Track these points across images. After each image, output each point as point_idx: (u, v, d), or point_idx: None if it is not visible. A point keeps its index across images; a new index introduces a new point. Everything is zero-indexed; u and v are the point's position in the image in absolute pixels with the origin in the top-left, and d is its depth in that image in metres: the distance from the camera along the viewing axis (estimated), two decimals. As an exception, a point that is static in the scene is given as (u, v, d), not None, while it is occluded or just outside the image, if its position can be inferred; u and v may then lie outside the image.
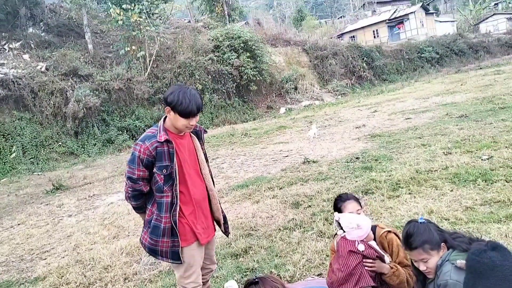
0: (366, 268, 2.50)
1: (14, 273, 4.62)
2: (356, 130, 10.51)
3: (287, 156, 8.80)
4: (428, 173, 5.29)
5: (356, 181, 5.61)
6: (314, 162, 7.46)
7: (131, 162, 2.46)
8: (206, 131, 2.91)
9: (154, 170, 2.45)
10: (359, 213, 2.69)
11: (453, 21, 49.73)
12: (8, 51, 18.83)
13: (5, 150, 14.16)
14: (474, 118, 8.74)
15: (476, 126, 7.80)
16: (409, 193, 4.76)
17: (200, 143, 2.74)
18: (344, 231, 2.57)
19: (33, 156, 14.45)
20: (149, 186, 2.53)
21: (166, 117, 2.55)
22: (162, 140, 2.43)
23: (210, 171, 2.79)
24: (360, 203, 2.79)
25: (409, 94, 17.22)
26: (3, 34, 19.73)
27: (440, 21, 46.90)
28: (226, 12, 29.98)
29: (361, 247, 2.54)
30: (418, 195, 4.64)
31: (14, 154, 14.16)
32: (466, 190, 4.47)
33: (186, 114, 2.40)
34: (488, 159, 5.40)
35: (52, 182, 9.63)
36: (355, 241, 2.57)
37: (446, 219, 3.85)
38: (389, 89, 22.73)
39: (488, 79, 16.54)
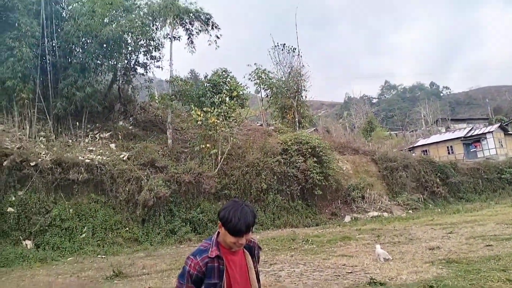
0: None
1: None
2: (429, 252, 9.66)
3: (351, 272, 8.20)
4: (518, 318, 4.56)
5: (431, 315, 4.97)
6: (381, 284, 6.83)
7: (181, 276, 2.45)
8: (261, 248, 2.81)
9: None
10: None
11: (537, 143, 47.03)
12: (98, 139, 21.11)
13: (77, 230, 14.94)
14: None
15: None
16: None
17: (253, 261, 2.62)
18: None
19: (100, 239, 15.04)
20: None
21: None
22: (213, 256, 2.40)
23: None
24: None
25: (489, 217, 15.82)
26: (97, 124, 22.34)
27: (522, 142, 44.56)
28: (296, 119, 31.35)
29: None
30: None
31: (84, 235, 14.88)
32: None
33: (235, 232, 2.37)
34: None
35: (113, 268, 9.78)
36: None
37: None
38: (466, 209, 21.16)
39: None
